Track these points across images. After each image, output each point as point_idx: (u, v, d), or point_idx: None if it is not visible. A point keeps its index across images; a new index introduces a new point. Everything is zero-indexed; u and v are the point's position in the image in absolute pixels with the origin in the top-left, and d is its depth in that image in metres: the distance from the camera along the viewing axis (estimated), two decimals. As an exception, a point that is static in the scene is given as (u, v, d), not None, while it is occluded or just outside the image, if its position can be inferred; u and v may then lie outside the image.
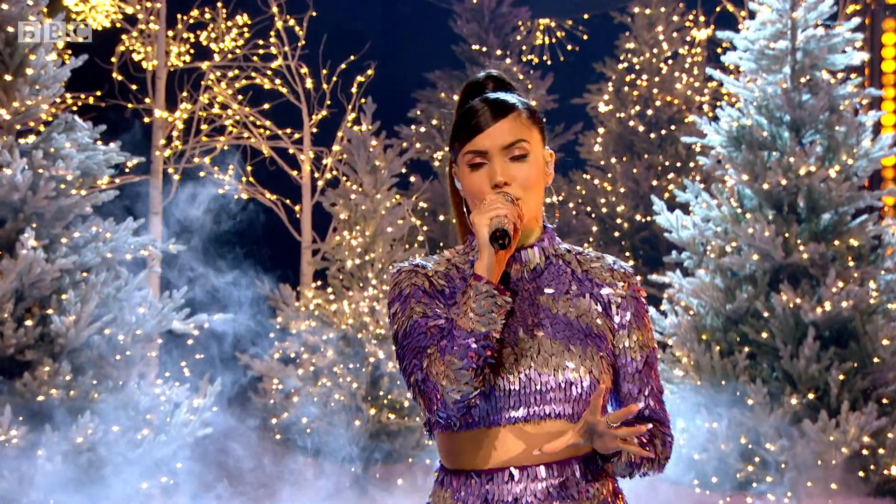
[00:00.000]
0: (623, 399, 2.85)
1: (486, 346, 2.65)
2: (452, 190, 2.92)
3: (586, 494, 2.76)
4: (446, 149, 16.59)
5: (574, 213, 15.65)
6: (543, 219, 2.90)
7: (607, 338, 2.82)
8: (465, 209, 2.90)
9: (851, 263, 9.27)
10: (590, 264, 2.88)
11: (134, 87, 12.20)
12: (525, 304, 2.80)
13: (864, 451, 8.83)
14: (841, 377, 8.94)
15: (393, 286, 2.82)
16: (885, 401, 9.12)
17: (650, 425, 2.72)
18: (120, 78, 12.21)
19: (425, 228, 13.99)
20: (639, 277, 2.93)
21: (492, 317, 2.65)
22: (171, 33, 12.43)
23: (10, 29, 8.38)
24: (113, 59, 12.15)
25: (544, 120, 2.92)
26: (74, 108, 11.36)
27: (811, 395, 9.00)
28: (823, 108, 9.26)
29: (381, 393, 10.66)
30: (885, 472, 8.83)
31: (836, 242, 9.29)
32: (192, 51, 12.73)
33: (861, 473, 8.85)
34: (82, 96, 11.94)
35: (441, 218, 15.01)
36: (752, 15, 9.72)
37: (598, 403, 2.58)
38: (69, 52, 9.67)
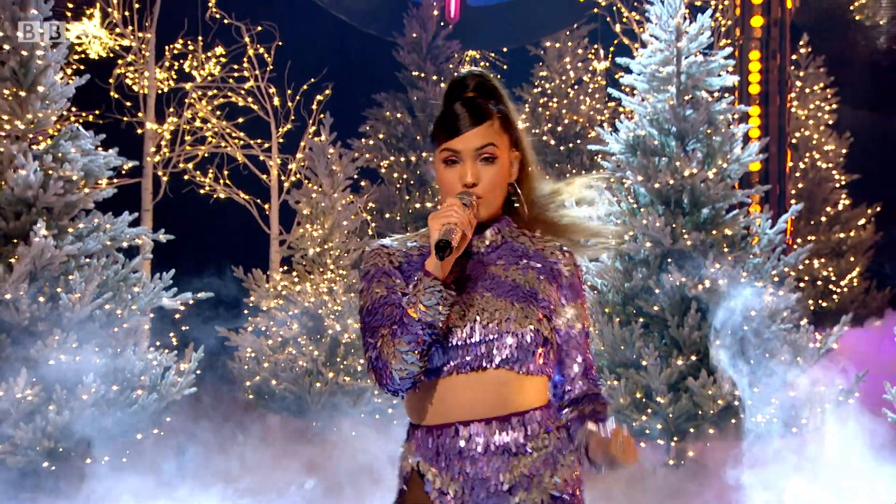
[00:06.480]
0: (562, 360, 2.79)
1: (431, 333, 2.59)
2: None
3: (525, 448, 2.67)
4: (391, 158, 16.56)
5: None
6: (505, 210, 2.84)
7: (551, 302, 2.75)
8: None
9: (726, 249, 9.29)
10: (543, 243, 2.82)
11: (128, 104, 12.13)
12: (478, 271, 2.73)
13: (735, 403, 8.98)
14: (717, 342, 9.06)
15: (363, 264, 2.79)
16: (752, 362, 9.26)
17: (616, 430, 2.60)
18: (116, 97, 12.15)
19: (374, 224, 14.05)
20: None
21: (438, 309, 2.57)
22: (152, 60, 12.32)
23: (25, 53, 8.32)
24: (111, 81, 12.09)
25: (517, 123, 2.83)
26: (77, 123, 11.27)
27: (693, 358, 9.11)
28: (703, 122, 9.29)
29: (338, 359, 10.55)
30: (753, 419, 8.96)
31: (714, 232, 9.29)
32: (174, 76, 12.68)
33: (733, 420, 9.00)
34: (83, 114, 11.86)
35: (387, 215, 15.05)
36: (643, 45, 9.83)
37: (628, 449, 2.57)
38: (73, 75, 9.60)
